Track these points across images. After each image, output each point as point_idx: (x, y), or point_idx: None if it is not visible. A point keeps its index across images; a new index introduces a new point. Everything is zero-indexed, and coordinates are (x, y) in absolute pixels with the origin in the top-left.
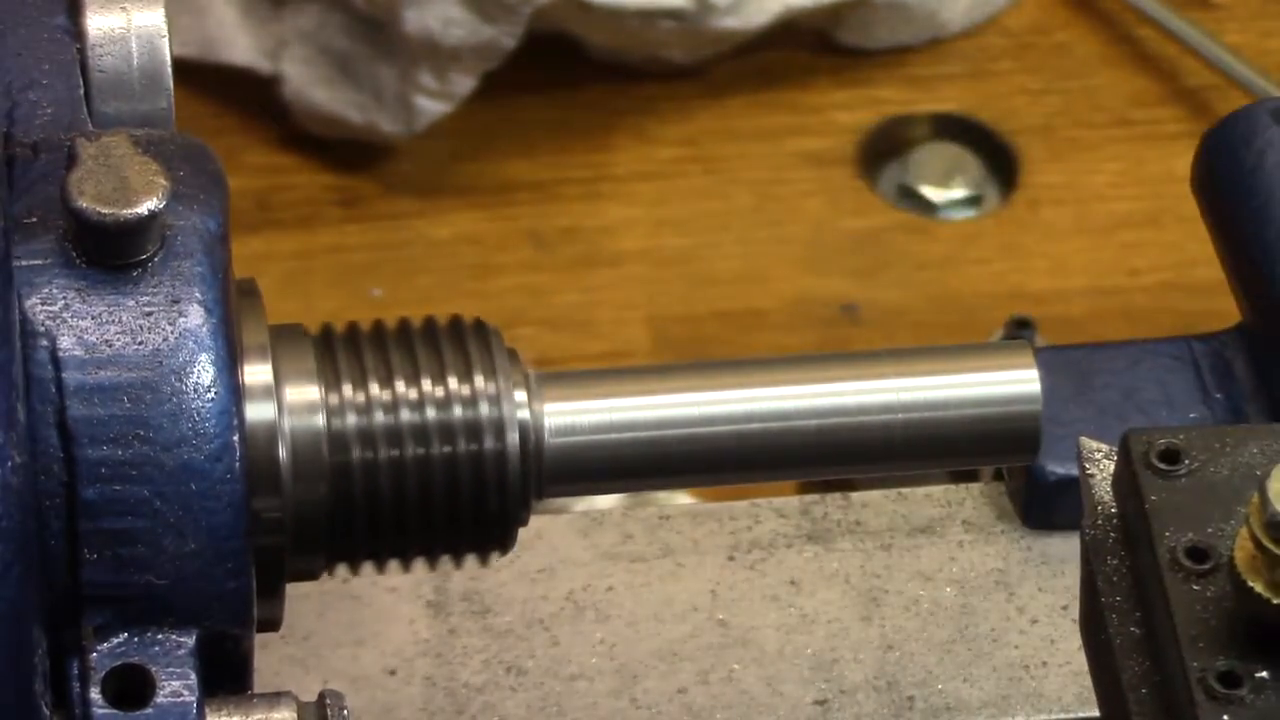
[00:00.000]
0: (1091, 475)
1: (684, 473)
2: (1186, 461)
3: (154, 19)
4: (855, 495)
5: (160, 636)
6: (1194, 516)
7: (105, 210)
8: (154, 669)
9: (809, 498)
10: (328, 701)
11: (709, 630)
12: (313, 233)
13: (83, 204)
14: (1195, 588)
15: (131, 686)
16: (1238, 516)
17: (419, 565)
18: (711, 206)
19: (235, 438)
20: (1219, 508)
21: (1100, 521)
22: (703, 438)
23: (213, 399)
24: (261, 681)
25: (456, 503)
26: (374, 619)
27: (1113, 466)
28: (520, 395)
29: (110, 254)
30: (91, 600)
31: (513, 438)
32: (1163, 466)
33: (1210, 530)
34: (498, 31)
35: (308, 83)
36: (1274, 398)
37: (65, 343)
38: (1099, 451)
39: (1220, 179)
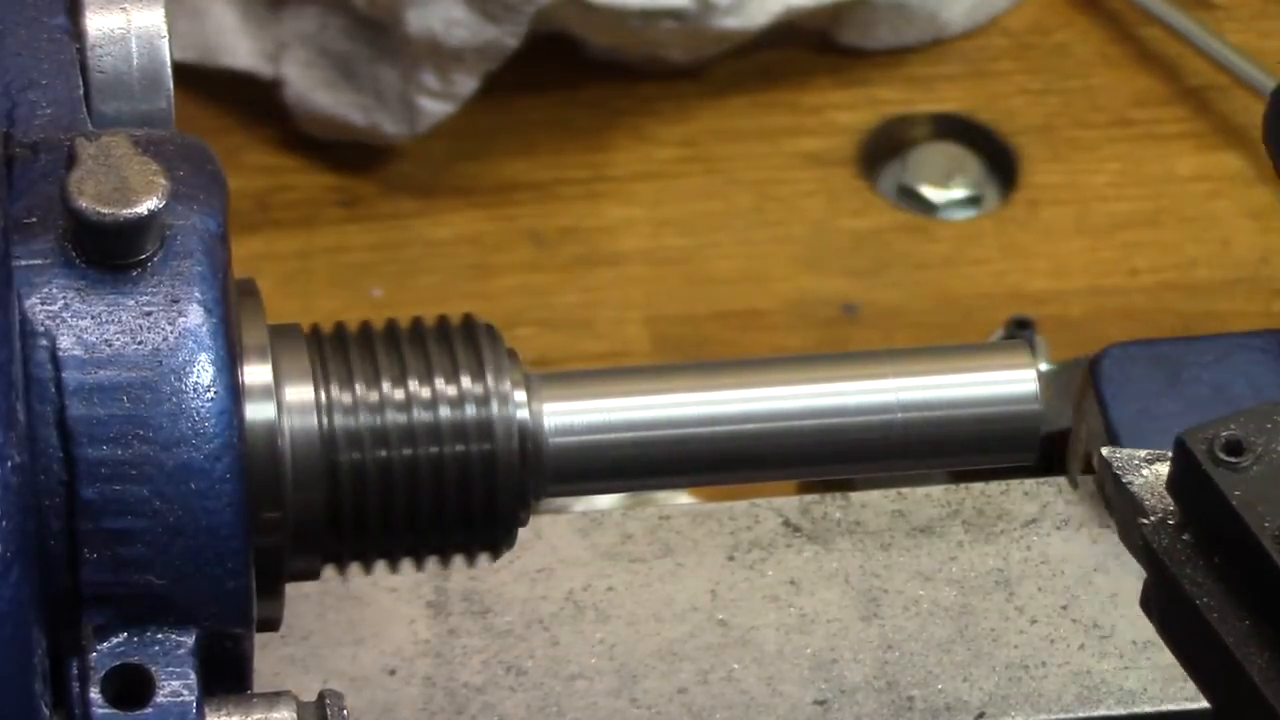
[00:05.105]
0: (1131, 482)
1: (684, 473)
2: (1250, 450)
3: (154, 19)
4: (855, 495)
5: (160, 636)
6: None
7: (105, 210)
8: (154, 669)
9: (809, 498)
10: (327, 701)
11: (709, 630)
12: (313, 233)
13: (83, 204)
14: None
15: (131, 686)
16: None
17: (418, 565)
18: (711, 206)
19: (235, 437)
20: None
21: (1163, 527)
22: (703, 438)
23: (212, 399)
24: (261, 681)
25: (453, 503)
26: (374, 619)
27: (1157, 469)
28: (520, 395)
29: (110, 254)
30: (91, 600)
31: (512, 438)
32: (1230, 460)
33: None
34: (500, 31)
35: (309, 86)
36: None
37: (65, 342)
38: (1133, 458)
39: None
